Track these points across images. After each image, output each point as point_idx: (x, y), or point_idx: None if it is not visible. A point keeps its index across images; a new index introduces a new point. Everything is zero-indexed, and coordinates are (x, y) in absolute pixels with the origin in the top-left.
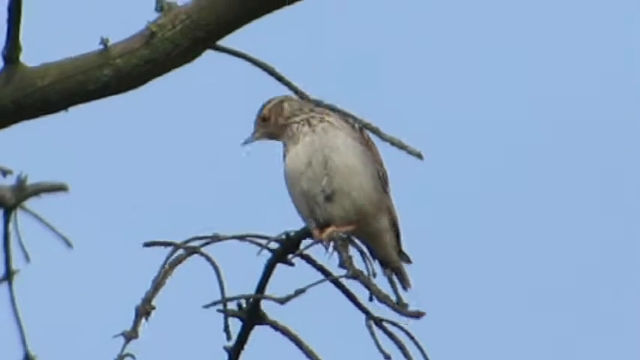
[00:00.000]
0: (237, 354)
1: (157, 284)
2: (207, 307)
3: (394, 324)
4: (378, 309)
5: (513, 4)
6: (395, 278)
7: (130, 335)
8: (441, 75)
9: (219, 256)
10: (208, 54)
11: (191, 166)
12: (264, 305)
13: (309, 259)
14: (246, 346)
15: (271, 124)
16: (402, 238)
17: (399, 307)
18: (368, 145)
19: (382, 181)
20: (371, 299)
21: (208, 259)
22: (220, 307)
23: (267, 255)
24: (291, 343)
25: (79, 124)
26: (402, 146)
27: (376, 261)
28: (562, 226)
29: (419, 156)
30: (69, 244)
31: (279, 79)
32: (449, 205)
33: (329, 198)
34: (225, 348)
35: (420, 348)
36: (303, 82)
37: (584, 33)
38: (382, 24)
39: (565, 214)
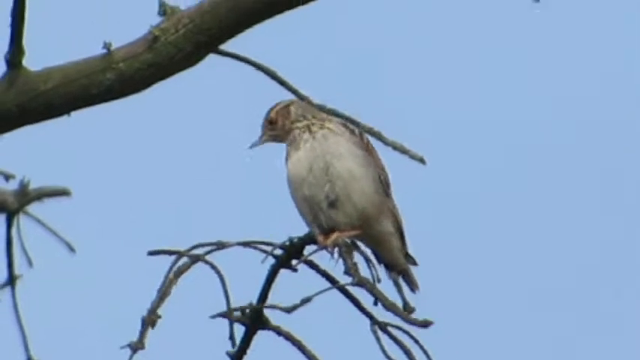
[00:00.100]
0: (240, 359)
1: (163, 294)
2: (213, 317)
3: (399, 328)
4: (383, 314)
5: (515, 3)
6: (402, 281)
7: (137, 346)
8: (442, 77)
9: (223, 263)
10: (211, 58)
11: (194, 171)
12: (268, 311)
13: (312, 265)
14: (248, 352)
15: (278, 128)
16: (408, 240)
17: (407, 315)
18: (368, 149)
19: (384, 184)
20: (375, 304)
21: (213, 267)
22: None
23: (271, 261)
24: (295, 348)
25: (81, 128)
26: (404, 151)
27: (382, 265)
28: (567, 227)
29: (421, 160)
30: (72, 249)
31: (282, 83)
32: (452, 206)
33: (332, 204)
34: (228, 353)
35: (425, 353)
36: (305, 86)
37: (586, 32)
38: (384, 27)
39: (569, 215)
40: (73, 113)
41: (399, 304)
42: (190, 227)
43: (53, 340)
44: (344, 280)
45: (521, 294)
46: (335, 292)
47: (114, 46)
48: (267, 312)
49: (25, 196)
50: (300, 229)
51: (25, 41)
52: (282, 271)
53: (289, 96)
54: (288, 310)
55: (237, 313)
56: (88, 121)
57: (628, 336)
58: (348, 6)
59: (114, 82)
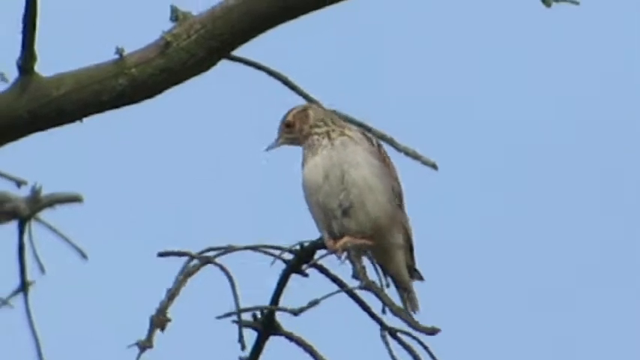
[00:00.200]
0: None
1: (172, 294)
2: (220, 318)
3: (409, 334)
4: (392, 319)
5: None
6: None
7: (145, 345)
8: (443, 79)
9: (233, 267)
10: (223, 63)
11: (205, 176)
12: (279, 316)
13: (322, 270)
14: (260, 357)
15: (296, 131)
16: (415, 255)
17: (415, 322)
18: (385, 161)
19: (397, 197)
20: (384, 311)
21: (223, 269)
22: (235, 317)
23: (281, 265)
24: (306, 353)
25: (93, 134)
26: (416, 156)
27: (388, 277)
28: (585, 237)
29: (433, 166)
30: (84, 255)
31: (293, 88)
32: (463, 213)
33: (346, 212)
34: (241, 359)
35: (434, 359)
36: (316, 91)
37: (590, 33)
38: (395, 32)
39: (586, 224)
40: (84, 119)
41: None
42: (201, 232)
43: (65, 346)
44: (353, 284)
45: (531, 304)
46: (346, 297)
47: (126, 52)
48: (278, 318)
49: (37, 202)
50: (311, 233)
51: (37, 47)
52: (293, 276)
53: (300, 101)
54: (296, 312)
55: (248, 318)
56: (100, 126)
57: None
58: (359, 11)
59: (126, 87)
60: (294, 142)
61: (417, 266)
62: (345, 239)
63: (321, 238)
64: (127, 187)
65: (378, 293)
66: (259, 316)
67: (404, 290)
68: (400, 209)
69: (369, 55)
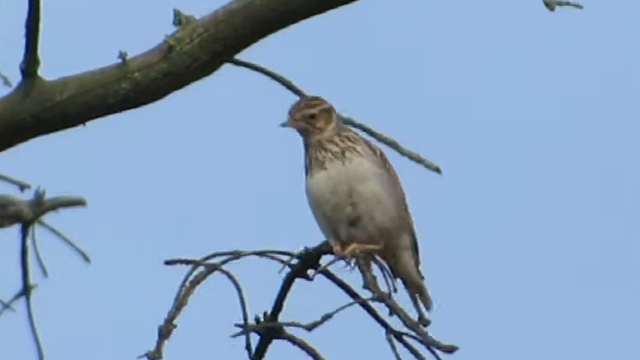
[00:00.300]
0: None
1: (179, 303)
2: (234, 336)
3: (415, 338)
4: (399, 323)
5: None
6: (417, 297)
7: (154, 356)
8: (447, 83)
9: (239, 272)
10: (226, 67)
11: (209, 181)
12: (282, 318)
13: (329, 275)
14: None
15: (315, 125)
16: (421, 257)
17: (430, 338)
18: (389, 170)
19: (402, 202)
20: (391, 314)
21: (229, 276)
22: (240, 321)
23: (288, 270)
24: (309, 357)
25: (96, 138)
26: (419, 160)
27: (397, 279)
28: (585, 241)
29: (437, 170)
30: (87, 259)
31: (297, 92)
32: (464, 220)
33: (353, 223)
34: None
35: None
36: (320, 95)
37: (593, 36)
38: (397, 35)
39: (588, 229)
40: (88, 123)
41: (415, 316)
42: (206, 236)
43: (68, 351)
44: (360, 290)
45: (536, 304)
46: (350, 300)
47: (129, 56)
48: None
49: (41, 206)
50: (316, 238)
51: (41, 51)
52: (299, 281)
53: None
54: (309, 328)
55: (251, 321)
56: (104, 130)
57: None
58: (362, 14)
59: (129, 91)
60: (304, 132)
61: (421, 267)
62: (354, 245)
63: (325, 243)
64: (131, 191)
65: (392, 306)
66: (262, 319)
67: (416, 290)
68: (406, 212)
69: (373, 59)
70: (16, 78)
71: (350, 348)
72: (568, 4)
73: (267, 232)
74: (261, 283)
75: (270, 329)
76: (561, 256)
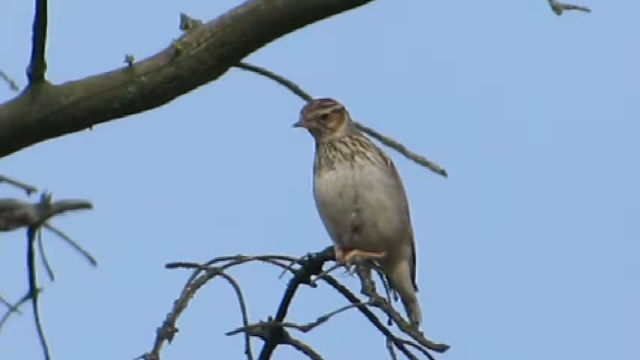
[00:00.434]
0: None
1: (179, 306)
2: (230, 333)
3: (415, 346)
4: (399, 331)
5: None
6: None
7: (151, 358)
8: (453, 87)
9: (241, 277)
10: (233, 71)
11: (214, 185)
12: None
13: (330, 281)
14: None
15: (327, 126)
16: (417, 269)
17: (424, 338)
18: (397, 179)
19: (406, 213)
20: (390, 323)
21: (231, 280)
22: (242, 326)
23: (289, 275)
24: None
25: (103, 142)
26: (425, 163)
27: (392, 289)
28: (591, 246)
29: (442, 173)
30: (93, 262)
31: (304, 96)
32: (469, 223)
33: (356, 230)
34: None
35: None
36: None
37: (600, 40)
38: (405, 40)
39: (595, 235)
40: (94, 126)
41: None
42: (210, 241)
43: (74, 353)
44: (361, 296)
45: (542, 309)
46: (353, 308)
47: (136, 60)
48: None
49: (47, 209)
50: (320, 243)
51: (47, 55)
52: (303, 287)
53: None
54: (305, 329)
55: (257, 327)
56: (110, 134)
57: None
58: (369, 19)
59: (136, 95)
60: (316, 132)
61: (421, 273)
62: (354, 252)
63: (329, 249)
64: (137, 195)
65: (388, 310)
66: (266, 324)
67: (408, 301)
68: (408, 223)
69: (379, 63)
70: (23, 82)
71: (353, 354)
72: (575, 7)
73: (274, 237)
74: (265, 289)
75: (274, 334)
76: (569, 261)
